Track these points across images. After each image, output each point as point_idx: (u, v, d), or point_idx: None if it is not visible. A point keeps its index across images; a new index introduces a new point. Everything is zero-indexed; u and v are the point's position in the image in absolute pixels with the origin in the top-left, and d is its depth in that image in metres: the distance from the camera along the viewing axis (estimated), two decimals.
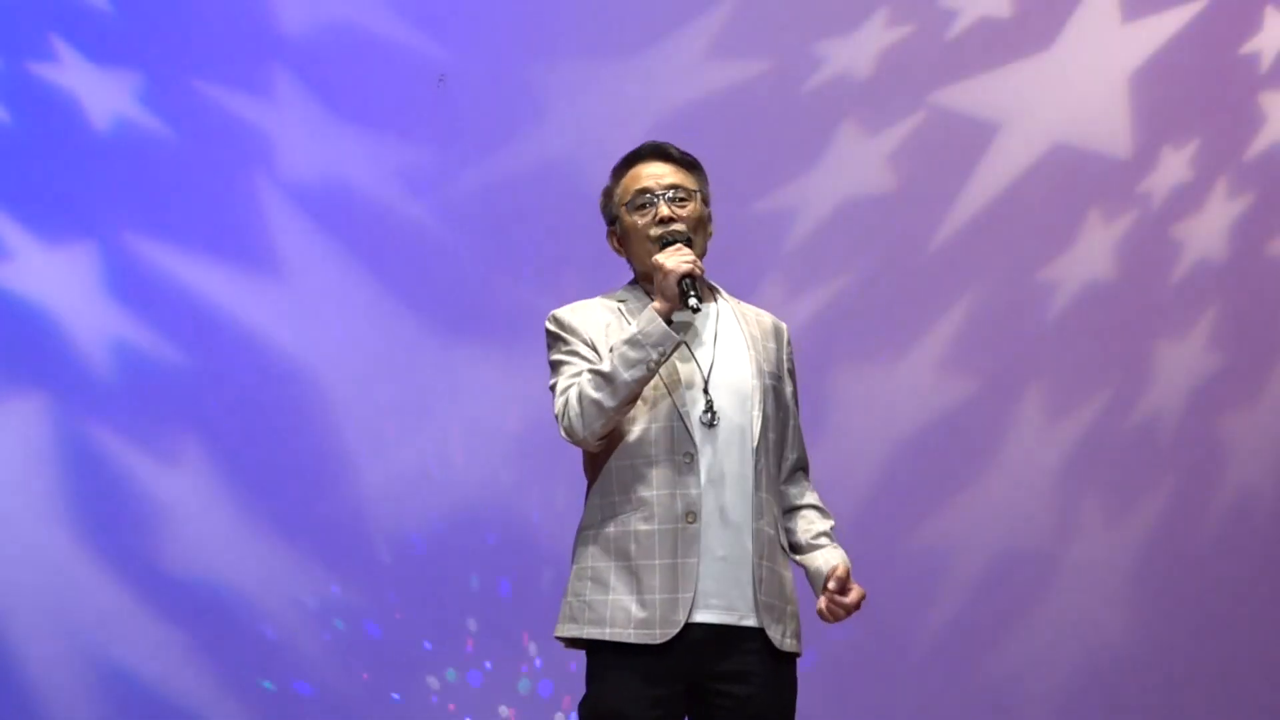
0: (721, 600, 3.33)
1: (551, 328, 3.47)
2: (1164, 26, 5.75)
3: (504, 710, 5.34)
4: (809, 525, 3.51)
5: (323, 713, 5.28)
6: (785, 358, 3.53)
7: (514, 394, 5.34)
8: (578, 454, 3.49)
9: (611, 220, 3.52)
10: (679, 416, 3.35)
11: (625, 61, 5.53)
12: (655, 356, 3.27)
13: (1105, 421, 5.68)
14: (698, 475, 3.33)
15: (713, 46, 5.57)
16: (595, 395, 3.29)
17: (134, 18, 5.32)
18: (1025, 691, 5.59)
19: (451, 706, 5.33)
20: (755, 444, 3.37)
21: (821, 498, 3.58)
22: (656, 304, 3.31)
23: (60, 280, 5.26)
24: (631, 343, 3.28)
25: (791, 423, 3.51)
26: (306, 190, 5.36)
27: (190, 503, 5.25)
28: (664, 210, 3.42)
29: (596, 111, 5.47)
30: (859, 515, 5.50)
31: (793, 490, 3.52)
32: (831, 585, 3.38)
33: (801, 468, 3.56)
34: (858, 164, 5.61)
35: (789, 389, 3.51)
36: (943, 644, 5.57)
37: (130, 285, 5.29)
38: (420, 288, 5.41)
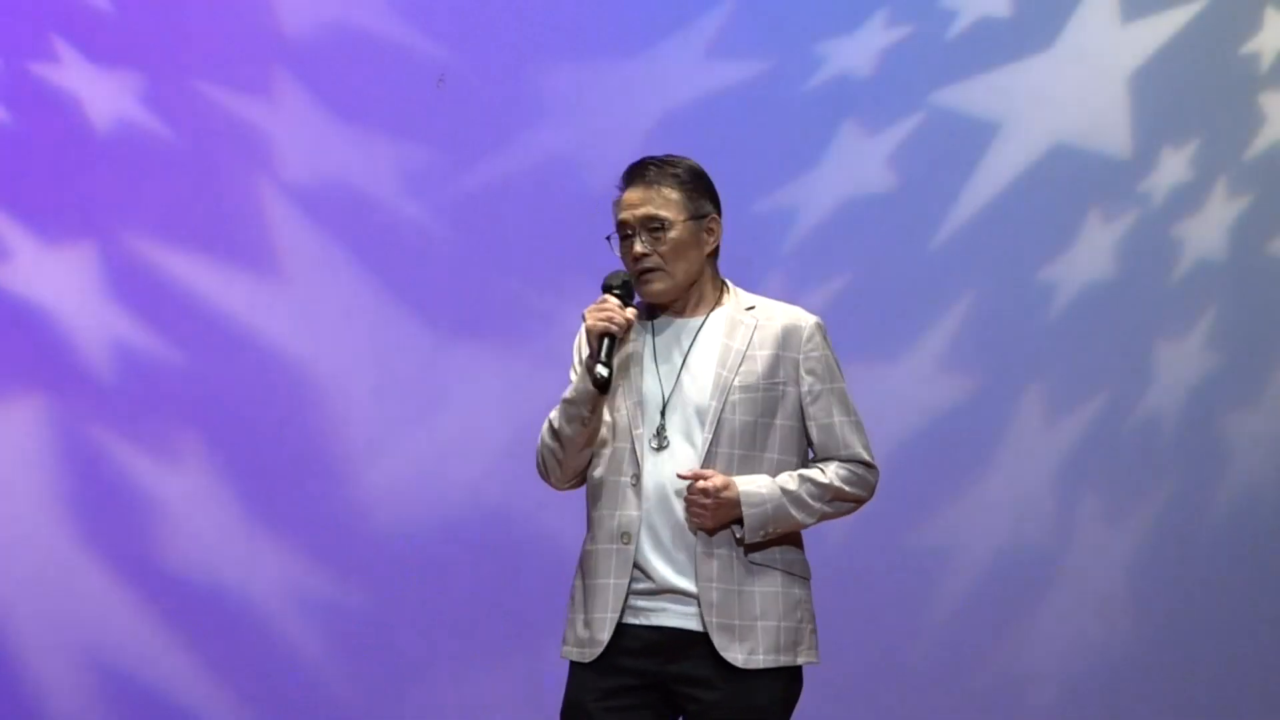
0: (665, 607, 3.35)
1: (577, 337, 3.51)
2: (1164, 26, 5.74)
3: (505, 710, 5.34)
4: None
5: (322, 712, 5.28)
6: (801, 357, 3.45)
7: (514, 394, 5.33)
8: None
9: None
10: (631, 438, 3.37)
11: (625, 61, 5.53)
12: (586, 414, 3.35)
13: (1105, 421, 5.67)
14: (640, 497, 3.35)
15: (713, 46, 5.57)
16: (551, 444, 3.42)
17: (134, 18, 5.32)
18: (1025, 691, 5.59)
19: (452, 707, 5.33)
20: (700, 465, 3.36)
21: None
22: (587, 358, 3.35)
23: (60, 280, 5.26)
24: (568, 400, 3.36)
25: (817, 422, 3.44)
26: (307, 190, 5.36)
27: (190, 502, 5.25)
28: (637, 247, 3.41)
29: (596, 111, 5.46)
30: (859, 515, 5.48)
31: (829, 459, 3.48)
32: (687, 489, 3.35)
33: (834, 458, 3.46)
34: (858, 164, 5.61)
35: (804, 389, 3.44)
36: (942, 644, 5.56)
37: (130, 285, 5.28)
38: (420, 288, 5.40)
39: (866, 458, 3.47)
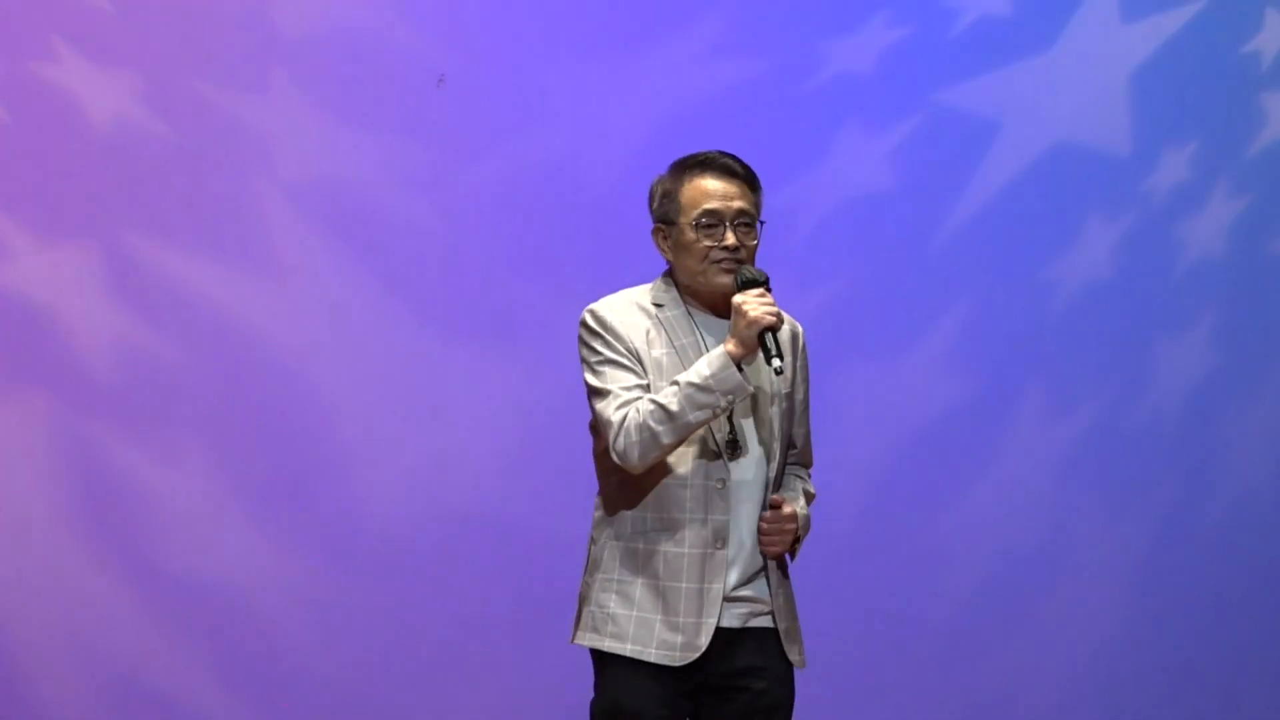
0: (739, 609, 3.37)
1: (592, 325, 3.41)
2: (1164, 26, 5.75)
3: (505, 708, 5.34)
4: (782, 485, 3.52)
5: (322, 711, 5.28)
6: (799, 365, 3.52)
7: (514, 393, 5.33)
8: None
9: (665, 221, 3.44)
10: (714, 443, 3.36)
11: (625, 61, 5.53)
12: (724, 404, 3.26)
13: (1105, 421, 5.68)
14: (728, 502, 3.35)
15: (713, 46, 5.57)
16: (657, 429, 3.27)
17: (134, 18, 5.32)
18: (1025, 691, 5.60)
19: (452, 706, 5.33)
20: (772, 472, 3.41)
21: (818, 495, 3.59)
22: (731, 348, 3.26)
23: (60, 280, 5.25)
24: (703, 387, 3.25)
25: (800, 430, 3.53)
26: (306, 190, 5.36)
27: (190, 502, 5.25)
28: (731, 238, 3.36)
29: (596, 111, 5.46)
30: (859, 515, 5.50)
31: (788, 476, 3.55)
32: (767, 518, 3.39)
33: (802, 463, 3.59)
34: (858, 163, 5.62)
35: (798, 397, 3.51)
36: (942, 643, 5.57)
37: (130, 285, 5.28)
38: (420, 287, 5.40)
39: (810, 462, 3.63)
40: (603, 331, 3.39)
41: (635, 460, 3.30)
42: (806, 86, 5.62)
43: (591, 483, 3.52)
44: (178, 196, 5.30)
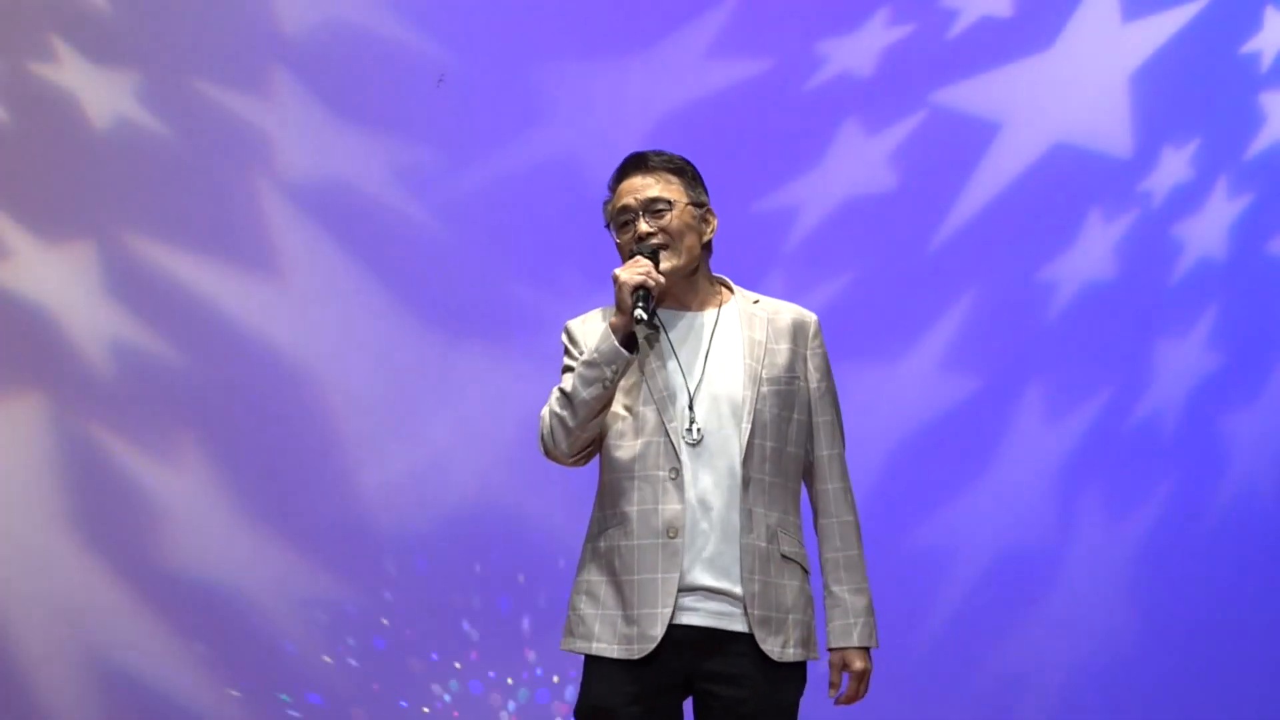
0: (707, 606, 3.34)
1: (563, 339, 3.50)
2: (1164, 26, 5.76)
3: (502, 707, 5.35)
4: (828, 560, 3.51)
5: (322, 710, 5.28)
6: (809, 353, 3.50)
7: (514, 394, 5.34)
8: None
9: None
10: (665, 432, 3.36)
11: (625, 61, 5.53)
12: (609, 375, 3.31)
13: (1105, 421, 5.69)
14: (682, 490, 3.34)
15: (713, 46, 5.57)
16: (562, 413, 3.35)
17: (134, 18, 5.32)
18: (1025, 691, 5.60)
19: (452, 704, 5.33)
20: (743, 457, 3.37)
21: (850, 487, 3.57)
22: (613, 318, 3.33)
23: (60, 280, 5.26)
24: (589, 363, 3.32)
25: (817, 419, 3.49)
26: (306, 190, 5.36)
27: (190, 503, 5.25)
28: (641, 227, 3.40)
29: (596, 111, 5.47)
30: (859, 515, 5.50)
31: (821, 489, 3.52)
32: (838, 697, 3.45)
33: (834, 462, 3.54)
34: (858, 164, 5.62)
35: (813, 385, 3.49)
36: (943, 643, 5.57)
37: (130, 285, 5.28)
38: (420, 288, 5.41)
39: (843, 458, 3.55)
40: (568, 343, 3.48)
41: (553, 449, 3.39)
42: (806, 86, 5.62)
43: (587, 483, 3.53)
44: (177, 196, 5.31)
